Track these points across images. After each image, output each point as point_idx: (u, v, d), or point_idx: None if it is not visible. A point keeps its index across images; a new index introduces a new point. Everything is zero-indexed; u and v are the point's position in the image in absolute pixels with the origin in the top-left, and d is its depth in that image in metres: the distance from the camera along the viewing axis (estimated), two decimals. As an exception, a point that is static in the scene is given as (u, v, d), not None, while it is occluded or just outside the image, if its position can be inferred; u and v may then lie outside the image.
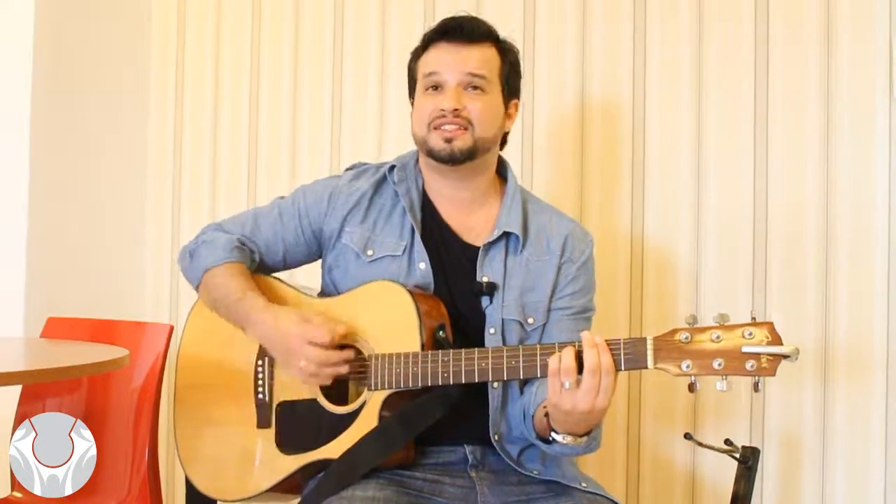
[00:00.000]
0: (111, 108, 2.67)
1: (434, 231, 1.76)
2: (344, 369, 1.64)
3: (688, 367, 1.42)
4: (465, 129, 1.70)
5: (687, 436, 2.00)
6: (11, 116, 2.36)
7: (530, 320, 1.72)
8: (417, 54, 1.79)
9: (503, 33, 1.78)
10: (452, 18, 1.75)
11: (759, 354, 1.39)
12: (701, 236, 2.28)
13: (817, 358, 2.19)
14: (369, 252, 1.75)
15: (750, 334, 1.40)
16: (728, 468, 1.92)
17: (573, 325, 1.74)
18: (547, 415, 1.54)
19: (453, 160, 1.71)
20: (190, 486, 1.80)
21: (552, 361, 1.46)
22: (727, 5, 2.27)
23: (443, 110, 1.69)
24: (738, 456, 1.89)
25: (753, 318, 1.41)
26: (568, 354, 1.45)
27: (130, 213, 2.74)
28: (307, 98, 2.61)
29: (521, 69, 1.81)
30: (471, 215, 1.78)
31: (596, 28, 2.36)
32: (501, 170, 1.84)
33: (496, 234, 1.73)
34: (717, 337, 1.41)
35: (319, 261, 1.86)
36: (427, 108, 1.72)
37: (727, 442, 1.91)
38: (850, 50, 2.18)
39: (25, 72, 2.35)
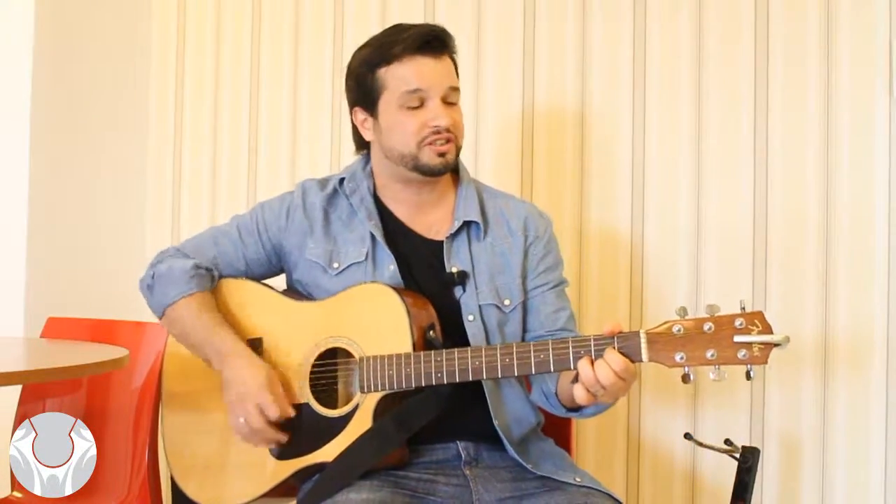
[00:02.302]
0: (111, 108, 2.67)
1: (394, 233, 1.77)
2: (263, 446, 1.68)
3: (681, 358, 1.44)
4: (452, 142, 1.72)
5: (687, 436, 2.00)
6: (11, 116, 2.36)
7: (506, 302, 1.74)
8: (378, 63, 1.71)
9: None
10: (427, 31, 1.72)
11: (750, 343, 1.41)
12: (701, 236, 2.28)
13: (817, 357, 2.19)
14: (335, 265, 1.76)
15: (741, 324, 1.42)
16: (728, 468, 1.92)
17: (555, 297, 1.79)
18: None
19: (445, 172, 1.74)
20: (176, 492, 1.78)
21: (582, 367, 1.48)
22: (727, 5, 2.27)
23: (437, 126, 1.69)
24: (738, 456, 1.89)
25: (743, 308, 1.43)
26: (585, 369, 1.48)
27: (130, 214, 2.74)
28: (307, 98, 2.61)
29: None
30: (429, 214, 1.80)
31: (596, 28, 2.36)
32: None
33: (457, 224, 1.76)
34: (709, 328, 1.43)
35: (281, 274, 1.87)
36: (413, 125, 1.70)
37: (727, 442, 1.91)
38: (850, 50, 2.18)
39: (25, 72, 2.35)
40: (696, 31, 2.29)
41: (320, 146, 2.58)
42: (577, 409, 1.65)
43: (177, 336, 1.79)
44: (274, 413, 1.64)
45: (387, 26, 1.78)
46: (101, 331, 2.12)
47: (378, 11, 2.53)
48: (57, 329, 2.17)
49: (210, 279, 1.80)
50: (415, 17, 2.46)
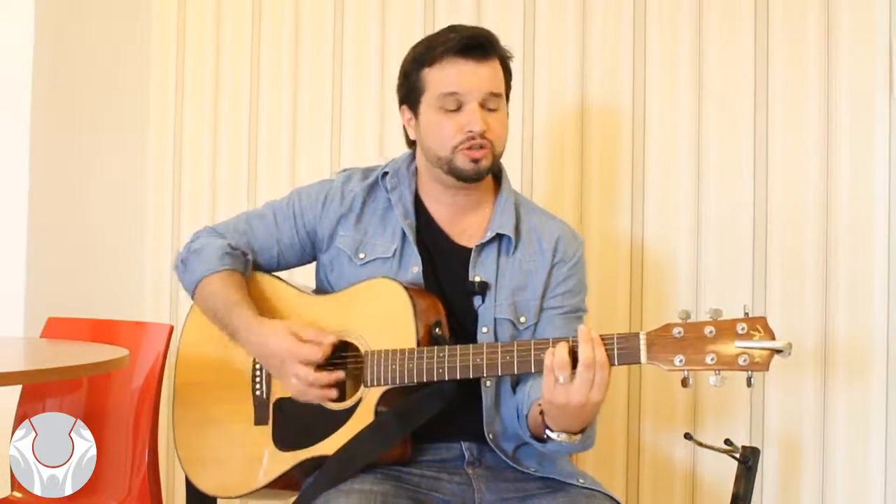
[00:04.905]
0: (111, 108, 2.67)
1: (426, 234, 1.77)
2: (332, 393, 1.64)
3: (681, 361, 1.42)
4: (488, 148, 1.70)
5: (687, 436, 2.00)
6: (11, 117, 2.36)
7: (522, 319, 1.74)
8: (422, 62, 1.72)
9: (502, 39, 1.77)
10: (472, 35, 1.70)
11: (751, 349, 1.39)
12: (701, 237, 2.28)
13: (817, 358, 2.19)
14: (361, 255, 1.76)
15: (743, 329, 1.40)
16: (728, 468, 1.92)
17: (565, 323, 1.75)
18: (542, 412, 1.55)
19: (478, 178, 1.72)
20: (189, 484, 1.80)
21: (546, 356, 1.47)
22: (727, 5, 2.27)
23: (471, 132, 1.67)
24: (738, 456, 1.89)
25: (746, 313, 1.41)
26: (562, 349, 1.46)
27: (130, 214, 2.74)
28: (307, 98, 2.61)
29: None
30: (465, 219, 1.79)
31: (596, 28, 2.36)
32: (496, 172, 1.84)
33: (489, 235, 1.75)
34: (711, 332, 1.41)
35: (314, 262, 1.87)
36: (449, 128, 1.68)
37: (727, 442, 1.91)
38: (850, 50, 2.18)
39: (25, 72, 2.34)
40: (696, 30, 2.29)
41: (320, 146, 2.58)
42: (539, 438, 1.62)
43: (206, 313, 1.78)
44: (316, 355, 1.62)
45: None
46: (101, 331, 2.12)
47: (378, 11, 2.53)
48: (57, 329, 2.16)
49: (243, 260, 1.80)
50: (414, 19, 2.46)
